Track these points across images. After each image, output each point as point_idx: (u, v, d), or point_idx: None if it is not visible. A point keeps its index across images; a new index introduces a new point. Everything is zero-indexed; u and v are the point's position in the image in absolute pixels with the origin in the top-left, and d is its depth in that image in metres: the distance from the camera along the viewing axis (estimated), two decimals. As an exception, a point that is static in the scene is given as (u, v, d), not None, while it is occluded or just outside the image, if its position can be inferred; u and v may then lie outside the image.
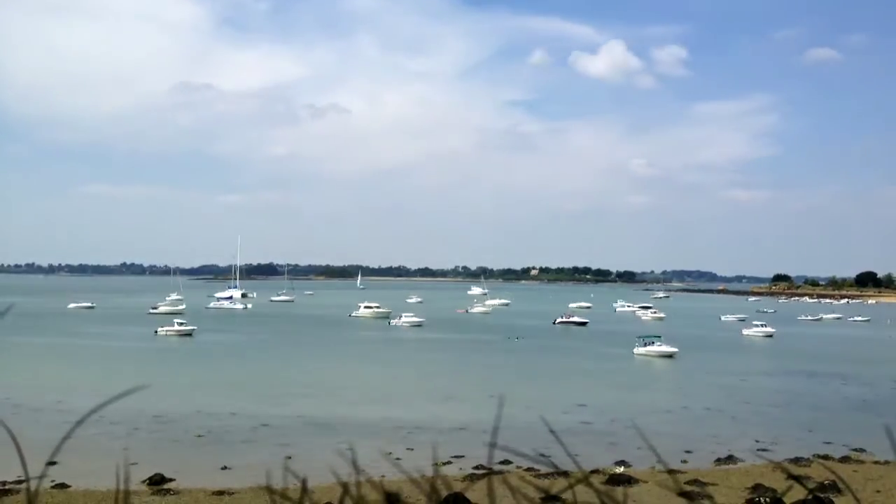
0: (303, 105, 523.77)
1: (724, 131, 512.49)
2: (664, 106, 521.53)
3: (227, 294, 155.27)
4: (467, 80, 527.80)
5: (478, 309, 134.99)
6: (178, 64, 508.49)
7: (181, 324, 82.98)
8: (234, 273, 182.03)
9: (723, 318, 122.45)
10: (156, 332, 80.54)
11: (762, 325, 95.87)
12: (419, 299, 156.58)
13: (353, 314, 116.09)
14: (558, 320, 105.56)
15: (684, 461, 30.26)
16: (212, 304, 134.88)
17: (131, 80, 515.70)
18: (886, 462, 30.05)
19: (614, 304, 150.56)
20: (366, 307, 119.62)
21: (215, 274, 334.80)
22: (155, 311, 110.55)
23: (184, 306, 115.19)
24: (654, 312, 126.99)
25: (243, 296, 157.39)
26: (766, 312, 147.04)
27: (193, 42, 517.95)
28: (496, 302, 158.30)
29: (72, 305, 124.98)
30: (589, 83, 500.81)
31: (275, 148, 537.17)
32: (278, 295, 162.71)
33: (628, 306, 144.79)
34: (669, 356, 65.90)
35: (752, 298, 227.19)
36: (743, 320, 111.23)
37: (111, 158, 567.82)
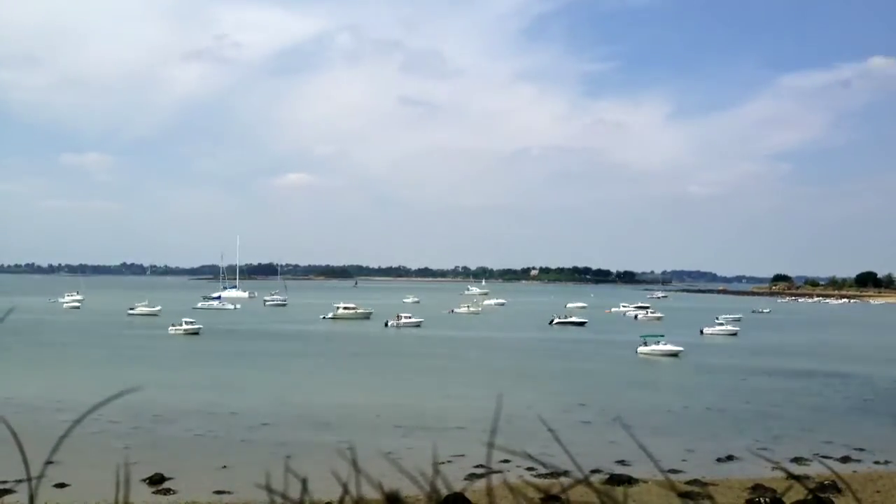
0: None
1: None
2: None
3: (224, 294, 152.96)
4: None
5: (464, 309, 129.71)
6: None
7: (189, 323, 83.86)
8: (235, 273, 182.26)
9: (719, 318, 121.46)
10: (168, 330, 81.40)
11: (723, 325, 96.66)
12: (416, 299, 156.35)
13: (328, 316, 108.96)
14: (555, 321, 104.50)
15: (684, 461, 30.24)
16: (199, 305, 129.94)
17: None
18: (886, 462, 30.10)
19: (616, 309, 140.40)
20: (344, 308, 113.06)
21: (215, 274, 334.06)
22: (133, 311, 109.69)
23: (159, 307, 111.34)
24: (652, 312, 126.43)
25: (250, 297, 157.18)
26: (764, 312, 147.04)
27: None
28: (492, 302, 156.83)
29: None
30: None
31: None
32: (271, 295, 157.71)
33: (625, 306, 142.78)
34: (674, 355, 66.03)
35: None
36: (739, 320, 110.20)
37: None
